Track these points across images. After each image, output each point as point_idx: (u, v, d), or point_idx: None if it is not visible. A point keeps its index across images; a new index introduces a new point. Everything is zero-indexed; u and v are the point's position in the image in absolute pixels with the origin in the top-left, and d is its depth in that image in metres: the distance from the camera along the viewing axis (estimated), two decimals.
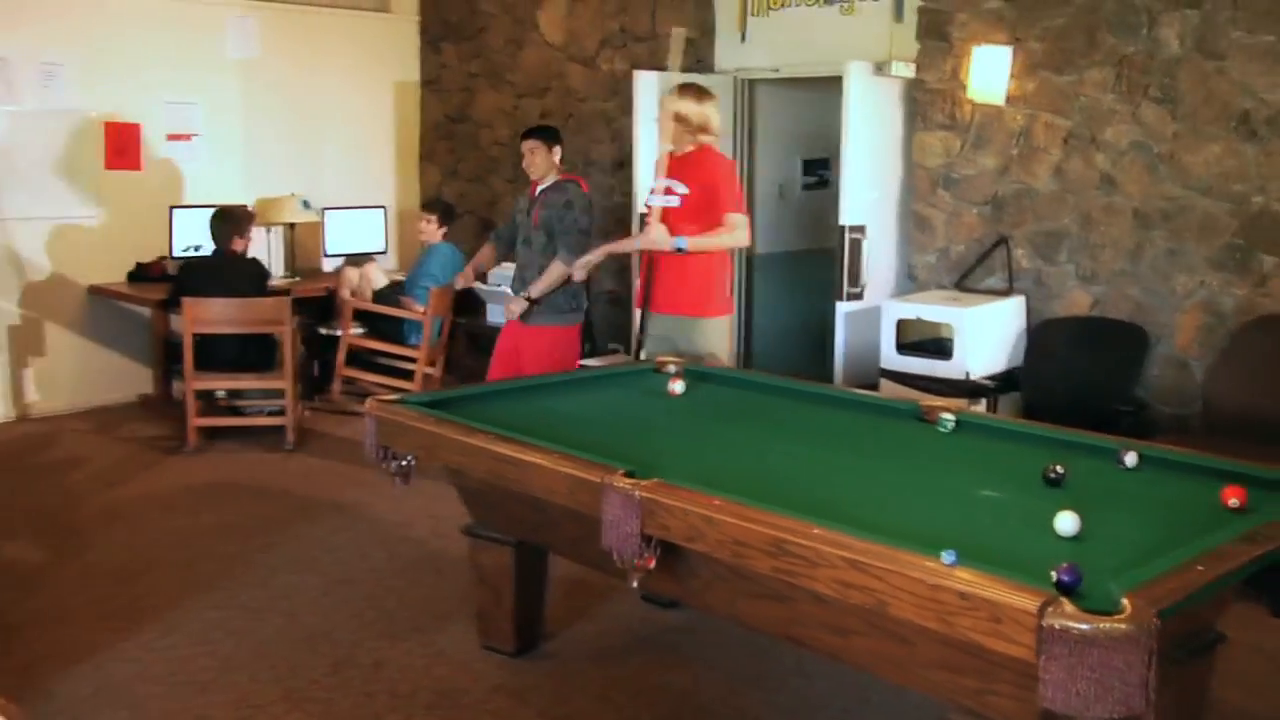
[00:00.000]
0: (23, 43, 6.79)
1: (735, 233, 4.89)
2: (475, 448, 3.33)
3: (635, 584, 2.93)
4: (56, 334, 7.14)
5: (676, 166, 4.92)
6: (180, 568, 4.66)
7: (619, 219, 7.22)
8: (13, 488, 5.42)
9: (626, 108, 6.74)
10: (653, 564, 2.84)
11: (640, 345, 5.06)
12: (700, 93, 4.95)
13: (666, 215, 4.85)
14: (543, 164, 5.57)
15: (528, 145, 5.59)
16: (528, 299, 5.44)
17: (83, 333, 7.24)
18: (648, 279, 5.00)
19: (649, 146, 6.35)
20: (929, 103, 5.89)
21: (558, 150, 5.59)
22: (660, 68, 6.77)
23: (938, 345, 5.44)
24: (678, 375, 4.22)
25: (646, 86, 6.40)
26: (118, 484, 5.75)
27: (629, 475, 2.86)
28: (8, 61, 6.76)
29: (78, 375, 7.20)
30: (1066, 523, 2.60)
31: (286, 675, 3.72)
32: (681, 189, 4.84)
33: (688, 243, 4.81)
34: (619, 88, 7.22)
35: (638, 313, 5.10)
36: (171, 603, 4.28)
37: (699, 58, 6.94)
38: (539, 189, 5.56)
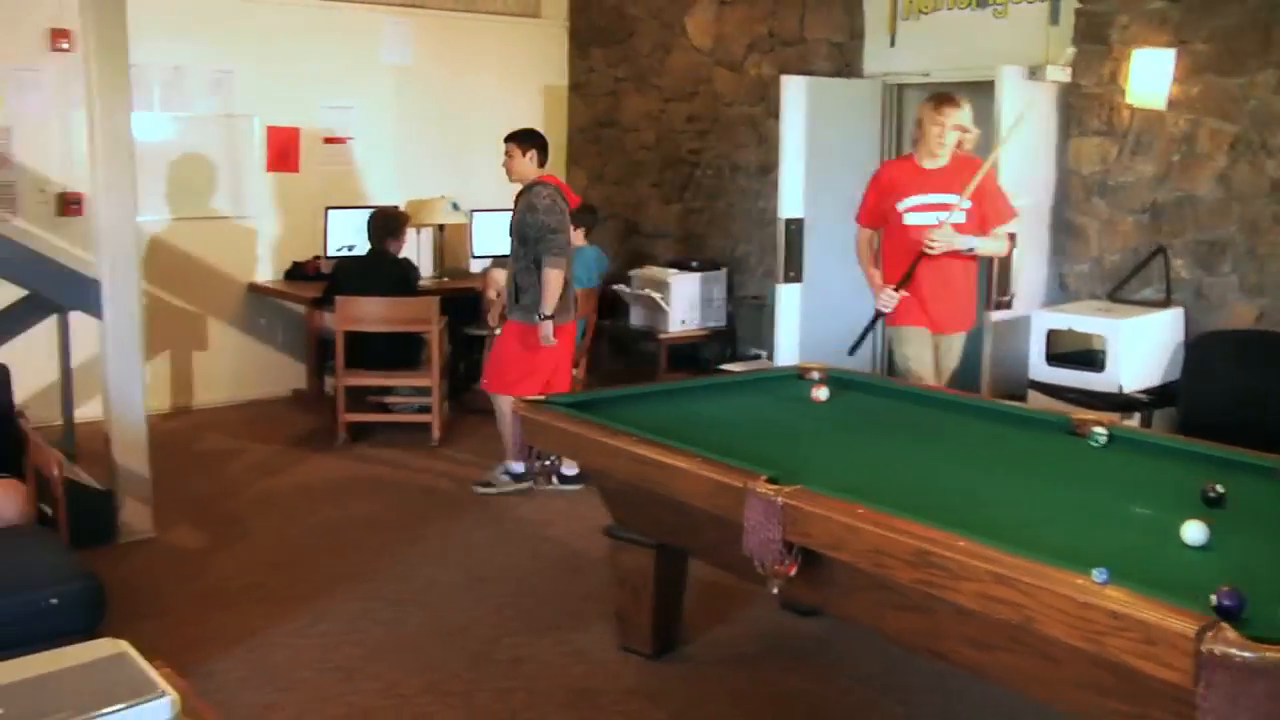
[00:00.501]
0: (196, 52, 7.11)
1: (1004, 242, 5.09)
2: (617, 449, 3.37)
3: (775, 590, 2.92)
4: (217, 329, 7.45)
5: (938, 178, 4.92)
6: (329, 557, 4.82)
7: (764, 224, 7.20)
8: (177, 475, 5.66)
9: (773, 112, 6.71)
10: (793, 571, 2.83)
11: (855, 348, 5.02)
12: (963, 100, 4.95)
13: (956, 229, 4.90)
14: (518, 168, 5.58)
15: (505, 149, 5.62)
16: (544, 317, 5.42)
17: (241, 328, 7.54)
18: (899, 288, 4.94)
19: (796, 151, 6.30)
20: (1085, 108, 5.72)
21: (533, 154, 5.56)
22: (808, 72, 6.73)
23: (1089, 357, 5.27)
24: (822, 382, 4.19)
25: (794, 91, 6.36)
26: (272, 474, 5.98)
27: (771, 481, 2.86)
28: (183, 70, 7.09)
29: (236, 369, 7.50)
30: (1195, 532, 2.50)
31: (428, 667, 3.82)
32: (964, 202, 4.85)
33: (976, 243, 4.92)
34: (766, 92, 7.20)
35: (875, 322, 5.05)
36: (320, 591, 4.43)
37: (847, 61, 6.87)
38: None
